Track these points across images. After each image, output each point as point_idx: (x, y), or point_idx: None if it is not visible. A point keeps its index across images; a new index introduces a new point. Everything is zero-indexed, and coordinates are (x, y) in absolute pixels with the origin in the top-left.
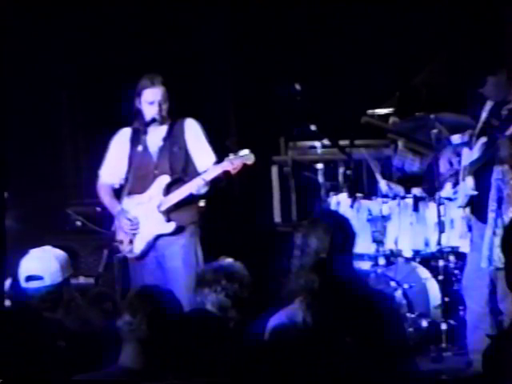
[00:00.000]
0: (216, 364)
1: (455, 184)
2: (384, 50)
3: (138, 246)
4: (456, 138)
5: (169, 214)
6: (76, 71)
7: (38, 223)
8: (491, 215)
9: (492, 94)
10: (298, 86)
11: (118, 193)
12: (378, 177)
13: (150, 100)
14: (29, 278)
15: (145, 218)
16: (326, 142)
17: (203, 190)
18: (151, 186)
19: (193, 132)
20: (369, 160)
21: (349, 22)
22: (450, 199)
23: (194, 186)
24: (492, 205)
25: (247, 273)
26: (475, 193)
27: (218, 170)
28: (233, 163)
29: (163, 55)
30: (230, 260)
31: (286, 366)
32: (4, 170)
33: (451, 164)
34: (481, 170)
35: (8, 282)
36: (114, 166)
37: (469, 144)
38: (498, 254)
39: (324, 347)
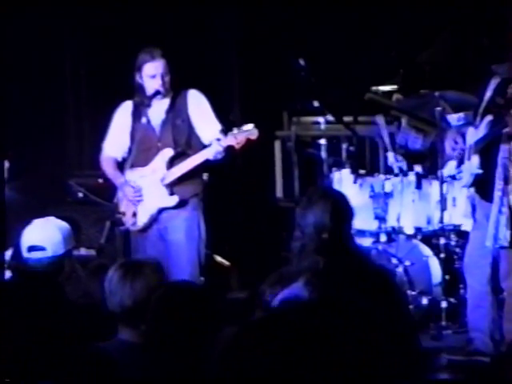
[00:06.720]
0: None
1: (460, 163)
2: (389, 26)
3: (142, 219)
4: (459, 118)
5: (172, 187)
6: (79, 41)
7: (39, 194)
8: (497, 194)
9: (504, 71)
10: (302, 62)
11: (121, 166)
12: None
13: (152, 74)
14: (31, 249)
15: (148, 191)
16: (329, 117)
17: (220, 156)
18: (154, 159)
19: (196, 103)
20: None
21: None
22: (453, 178)
23: (212, 152)
24: (499, 183)
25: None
26: (480, 171)
27: (232, 140)
28: (236, 138)
29: (168, 27)
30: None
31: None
32: (5, 140)
33: (456, 144)
34: (487, 149)
35: (9, 253)
36: (116, 139)
37: (473, 123)
38: (503, 233)
39: (330, 324)
